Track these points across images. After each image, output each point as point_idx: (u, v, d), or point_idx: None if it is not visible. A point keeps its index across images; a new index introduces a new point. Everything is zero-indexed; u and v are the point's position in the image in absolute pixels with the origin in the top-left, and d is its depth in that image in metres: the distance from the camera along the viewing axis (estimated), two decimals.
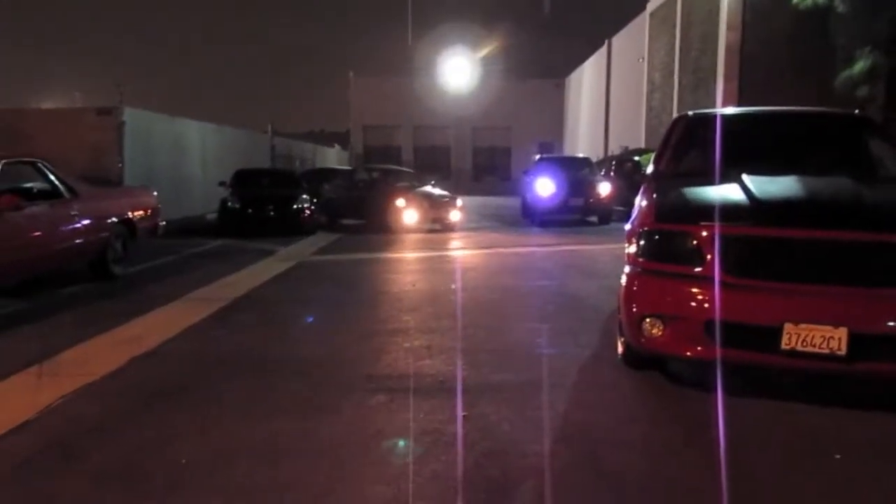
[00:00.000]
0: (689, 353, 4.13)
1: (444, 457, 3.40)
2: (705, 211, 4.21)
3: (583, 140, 37.09)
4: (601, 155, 28.12)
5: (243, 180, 16.06)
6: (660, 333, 4.17)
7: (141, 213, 9.08)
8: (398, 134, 44.04)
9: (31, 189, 7.71)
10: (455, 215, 15.89)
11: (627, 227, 4.74)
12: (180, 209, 17.93)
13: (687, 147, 5.63)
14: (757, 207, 4.12)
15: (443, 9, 41.42)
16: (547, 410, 4.05)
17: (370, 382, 4.55)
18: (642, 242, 4.34)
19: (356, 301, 7.41)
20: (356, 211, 16.59)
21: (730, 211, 4.09)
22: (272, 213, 14.58)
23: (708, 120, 5.76)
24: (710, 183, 4.64)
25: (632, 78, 27.80)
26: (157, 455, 3.43)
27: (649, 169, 5.53)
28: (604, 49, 32.73)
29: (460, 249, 12.15)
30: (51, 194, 7.63)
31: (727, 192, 4.39)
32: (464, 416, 3.94)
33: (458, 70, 41.81)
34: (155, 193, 9.97)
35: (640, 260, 4.34)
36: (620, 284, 4.52)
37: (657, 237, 4.28)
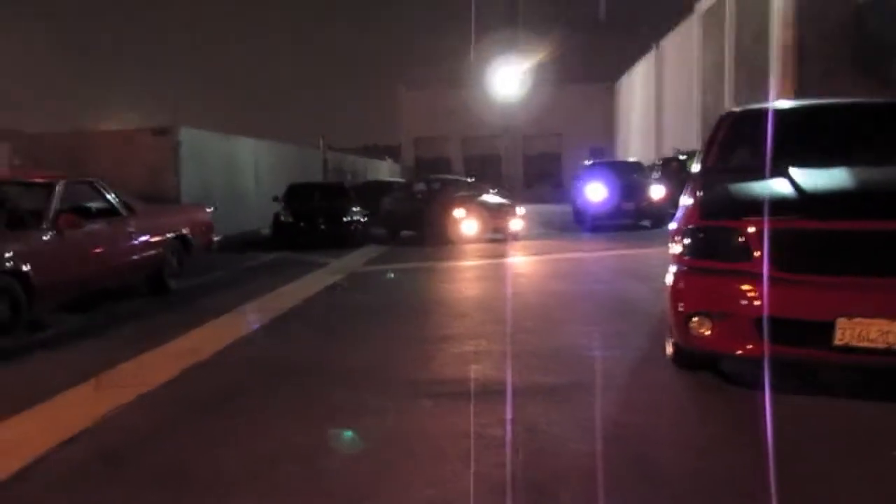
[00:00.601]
0: (738, 351, 4.03)
1: (491, 459, 3.38)
2: (751, 205, 4.11)
3: (634, 144, 36.63)
4: (653, 158, 27.74)
5: (296, 194, 16.34)
6: (708, 332, 4.07)
7: (195, 229, 9.31)
8: (448, 145, 44.30)
9: (89, 208, 7.97)
10: (516, 224, 15.40)
11: (672, 226, 4.66)
12: (236, 224, 18.34)
13: (734, 143, 5.50)
14: (805, 200, 4.00)
15: (491, 17, 41.41)
16: (597, 412, 4.00)
17: (416, 388, 4.56)
18: (688, 240, 4.26)
19: (405, 309, 7.45)
20: (415, 223, 16.05)
21: (777, 204, 3.97)
22: (324, 226, 14.79)
23: (755, 115, 5.62)
24: (758, 178, 4.53)
25: (683, 79, 27.36)
26: (207, 460, 3.50)
27: (695, 167, 5.43)
28: (654, 51, 32.32)
29: (511, 256, 12.09)
30: (108, 212, 7.89)
31: (774, 186, 4.28)
32: (510, 419, 3.91)
33: (507, 78, 41.77)
34: (209, 210, 10.21)
35: (686, 258, 4.26)
36: (667, 284, 4.44)
37: (702, 234, 4.19)
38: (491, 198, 16.44)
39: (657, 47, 31.70)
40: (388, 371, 5.00)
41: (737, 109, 5.85)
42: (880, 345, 3.63)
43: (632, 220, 17.24)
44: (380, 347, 5.74)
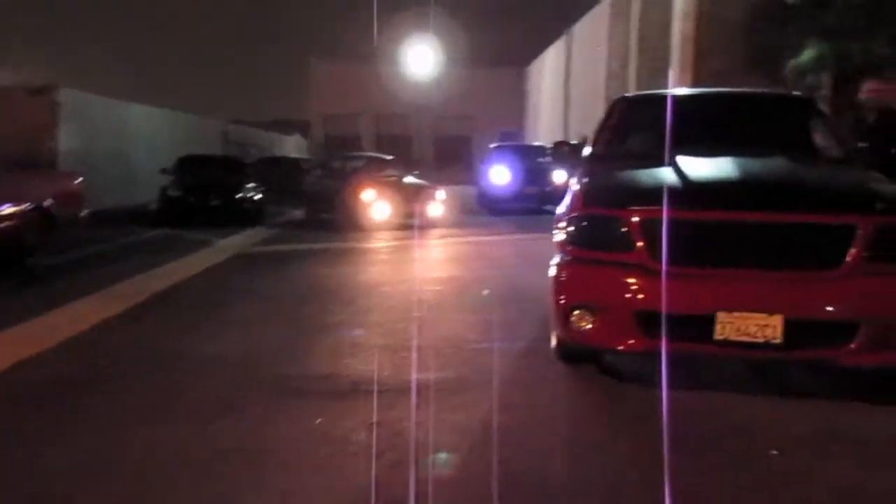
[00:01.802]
0: (620, 346, 3.86)
1: (347, 469, 3.06)
2: (636, 194, 3.94)
3: (544, 129, 36.95)
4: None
5: (186, 167, 15.44)
6: (589, 325, 3.87)
7: (60, 199, 8.55)
8: (359, 122, 43.55)
9: None
10: (435, 208, 13.92)
11: (559, 211, 4.44)
12: (124, 196, 17.30)
13: (625, 130, 5.35)
14: (688, 190, 3.86)
15: None
16: (467, 413, 3.73)
17: (284, 384, 4.18)
18: (571, 229, 4.04)
19: (286, 295, 7.01)
20: (330, 205, 14.50)
21: (660, 194, 3.79)
22: (215, 203, 14.04)
23: (647, 102, 5.50)
24: (645, 166, 4.36)
25: (591, 66, 27.65)
26: (24, 468, 3.03)
27: (585, 153, 5.23)
28: (563, 38, 32.56)
29: (410, 239, 11.77)
30: None
31: (660, 175, 4.11)
32: (373, 423, 3.59)
33: (420, 57, 41.25)
34: (80, 179, 9.42)
35: (569, 248, 4.04)
36: (549, 275, 4.21)
37: (585, 223, 3.98)
38: (409, 179, 15.04)
39: (568, 33, 31.94)
40: (257, 363, 4.60)
41: (629, 95, 5.70)
42: (759, 339, 3.53)
43: (535, 204, 17.22)
44: (253, 336, 5.31)
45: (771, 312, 3.48)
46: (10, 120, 14.61)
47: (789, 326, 3.46)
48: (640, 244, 3.74)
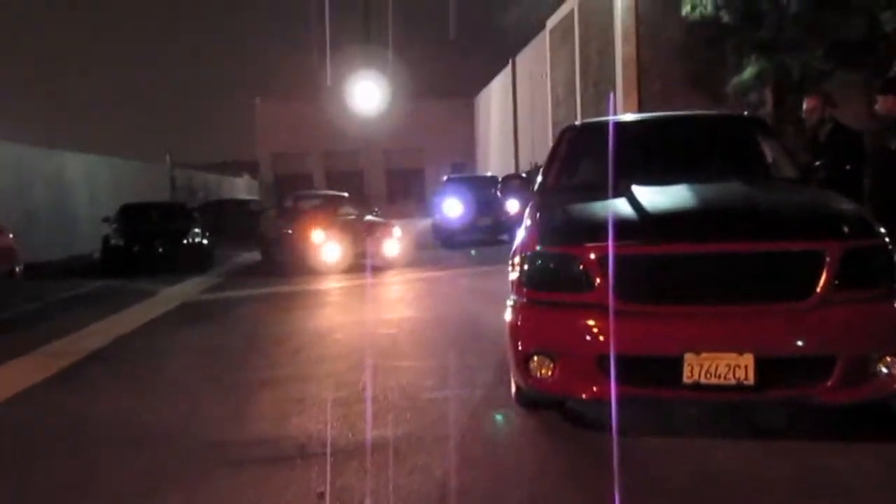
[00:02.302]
0: (583, 395, 3.60)
1: None
2: (591, 229, 3.72)
3: (494, 159, 37.09)
4: (508, 173, 28.01)
5: (129, 215, 14.92)
6: (549, 373, 3.62)
7: None
8: (308, 160, 43.13)
9: None
10: (391, 248, 12.88)
11: (515, 246, 4.20)
12: (64, 248, 16.67)
13: (575, 159, 5.17)
14: (644, 222, 3.66)
15: (348, 31, 40.82)
16: (423, 474, 3.43)
17: (220, 452, 3.83)
18: (525, 268, 3.80)
19: (231, 347, 6.63)
20: (284, 247, 13.58)
21: (616, 228, 3.58)
22: (161, 250, 13.54)
23: (596, 129, 5.34)
24: (598, 197, 4.16)
25: (537, 94, 27.86)
26: None
27: (536, 185, 5.03)
28: (509, 68, 32.84)
29: (362, 278, 11.42)
30: None
31: (614, 207, 3.90)
32: (319, 492, 3.27)
33: (366, 92, 41.22)
34: (11, 234, 8.93)
35: (524, 289, 3.79)
36: (505, 318, 3.96)
37: (540, 262, 3.74)
38: (367, 217, 14.14)
39: (513, 62, 32.22)
40: (192, 430, 4.24)
41: (577, 123, 5.54)
42: (730, 381, 3.30)
43: (489, 234, 17.07)
44: (190, 398, 4.92)
45: (741, 351, 3.26)
46: None
47: (761, 365, 3.25)
48: (598, 282, 3.52)
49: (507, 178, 17.08)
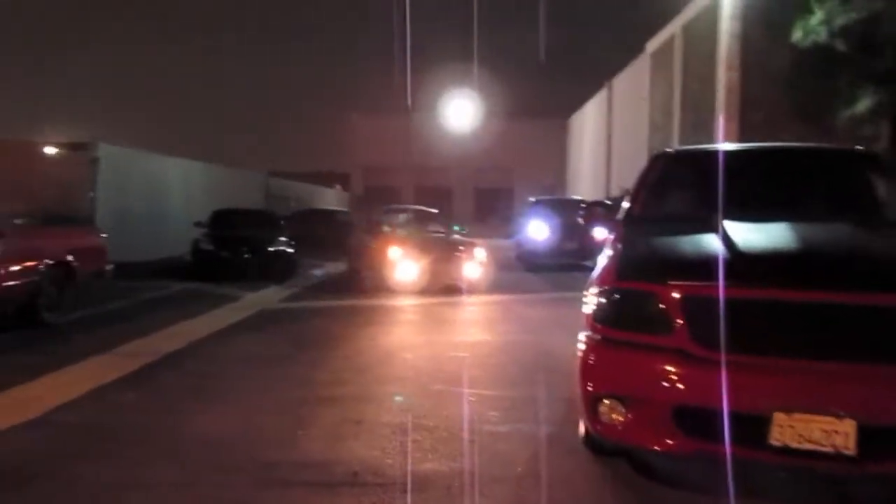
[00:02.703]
0: (656, 447, 3.28)
1: None
2: (677, 266, 3.41)
3: (585, 182, 36.48)
4: (601, 197, 27.42)
5: (220, 221, 15.29)
6: (621, 419, 3.32)
7: (82, 254, 8.31)
8: (399, 174, 43.59)
9: None
10: (473, 270, 12.01)
11: (593, 278, 3.92)
12: (159, 249, 17.22)
13: (665, 189, 4.84)
14: (738, 262, 3.31)
15: (447, 48, 41.21)
16: None
17: (269, 472, 3.70)
18: (602, 303, 3.52)
19: (299, 360, 6.55)
20: (368, 260, 12.91)
21: (705, 267, 3.26)
22: (246, 256, 13.77)
23: (691, 157, 5.00)
24: (689, 231, 3.85)
25: (633, 118, 27.23)
26: None
27: (621, 214, 4.73)
28: (605, 90, 32.28)
29: (441, 297, 11.26)
30: None
31: (705, 243, 3.59)
32: None
33: (460, 110, 41.52)
34: (104, 234, 9.21)
35: (599, 326, 3.51)
36: (577, 354, 3.68)
37: (618, 298, 3.45)
38: (451, 235, 13.69)
39: (609, 86, 31.66)
40: (244, 445, 4.13)
41: (671, 150, 5.20)
42: (826, 448, 2.92)
43: (574, 259, 16.65)
44: (248, 410, 4.85)
45: (841, 416, 2.88)
46: (50, 176, 14.72)
47: (864, 434, 2.85)
48: (680, 325, 3.21)
49: (591, 206, 16.16)
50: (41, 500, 3.32)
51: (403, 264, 11.71)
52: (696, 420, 3.13)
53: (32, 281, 7.45)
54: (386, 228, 14.10)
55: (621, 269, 3.56)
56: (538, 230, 16.74)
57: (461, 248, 12.56)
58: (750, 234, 3.67)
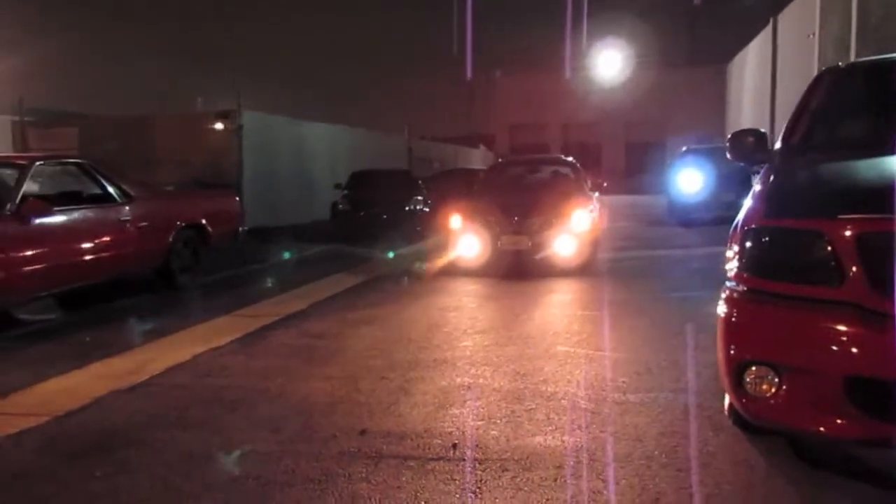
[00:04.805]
0: (821, 429, 2.57)
1: None
2: (848, 197, 2.64)
3: None
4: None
5: (358, 182, 15.31)
6: (772, 393, 2.63)
7: (216, 217, 8.38)
8: (545, 132, 42.60)
9: (80, 193, 7.15)
10: (581, 222, 8.65)
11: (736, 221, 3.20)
12: (304, 213, 17.61)
13: (833, 110, 3.93)
14: None
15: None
16: None
17: (360, 442, 3.33)
18: (748, 247, 2.81)
19: (419, 320, 6.18)
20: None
21: (888, 196, 2.47)
22: (383, 216, 13.67)
23: (867, 71, 4.04)
24: (862, 157, 3.02)
25: (800, 58, 24.63)
26: None
27: (777, 145, 3.90)
28: (768, 28, 29.49)
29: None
30: (102, 199, 7.03)
31: (886, 169, 2.77)
32: None
33: (609, 63, 39.78)
34: (237, 198, 9.28)
35: (744, 275, 2.81)
36: (717, 312, 2.99)
37: (767, 240, 2.74)
38: (574, 188, 10.01)
39: (773, 23, 28.89)
40: (343, 412, 3.79)
41: (839, 65, 4.23)
42: None
43: (732, 212, 15.23)
44: (356, 373, 4.51)
45: None
46: (199, 143, 15.38)
47: None
48: (855, 272, 2.46)
49: (738, 135, 12.37)
50: (125, 468, 3.12)
51: (464, 235, 8.95)
52: (876, 396, 2.39)
53: (166, 243, 7.56)
54: (495, 180, 11.22)
55: (773, 204, 2.83)
56: (690, 181, 15.48)
57: (561, 213, 8.73)
58: None
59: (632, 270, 9.05)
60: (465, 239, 8.89)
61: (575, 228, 8.59)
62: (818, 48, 22.95)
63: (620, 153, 42.27)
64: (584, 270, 8.58)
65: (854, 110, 3.92)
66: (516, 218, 8.69)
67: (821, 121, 3.86)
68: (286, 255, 11.18)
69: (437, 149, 32.84)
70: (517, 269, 8.62)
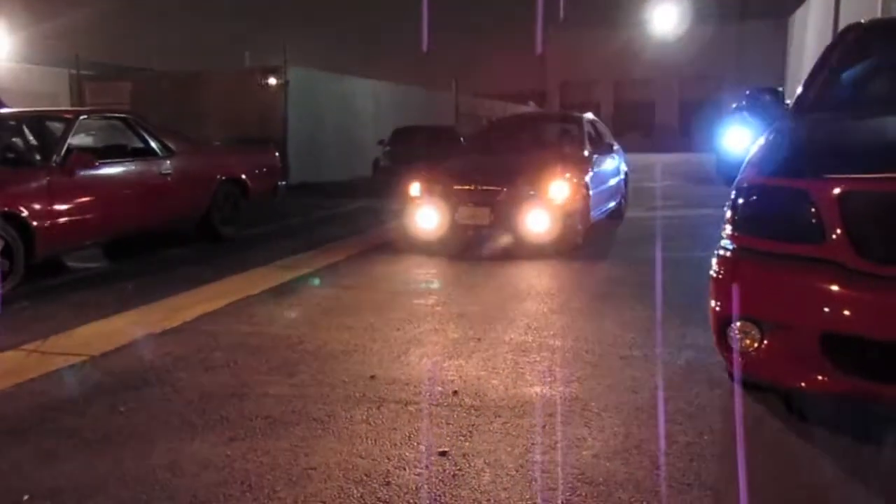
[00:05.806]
0: (801, 383, 2.64)
1: None
2: (837, 156, 2.65)
3: None
4: None
5: (399, 138, 15.42)
6: (755, 348, 2.70)
7: (254, 172, 8.62)
8: (597, 89, 41.88)
9: (124, 147, 7.43)
10: (536, 221, 7.00)
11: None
12: (349, 169, 17.82)
13: (853, 68, 3.87)
14: None
15: None
16: (563, 453, 2.77)
17: (365, 388, 3.51)
18: (739, 204, 2.85)
19: (443, 274, 6.33)
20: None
21: (876, 156, 2.49)
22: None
23: (888, 30, 3.95)
24: (868, 117, 3.01)
25: (865, 8, 23.60)
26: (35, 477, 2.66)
27: (792, 101, 3.86)
28: None
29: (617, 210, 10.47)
30: (145, 152, 7.30)
31: (885, 129, 2.76)
32: (442, 452, 2.78)
33: (663, 17, 38.65)
34: (276, 153, 9.49)
35: (735, 233, 2.86)
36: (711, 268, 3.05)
37: (757, 198, 2.77)
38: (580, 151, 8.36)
39: None
40: (356, 359, 3.97)
41: (864, 21, 4.13)
42: None
43: None
44: (375, 323, 4.68)
45: None
46: (249, 100, 15.65)
47: None
48: (837, 232, 2.49)
49: (754, 93, 10.56)
50: (147, 404, 3.36)
51: (420, 205, 7.56)
52: (852, 352, 2.45)
53: (207, 197, 7.82)
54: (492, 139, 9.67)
55: (765, 162, 2.86)
56: (739, 139, 15.14)
57: (535, 181, 7.14)
58: None
59: (661, 230, 8.99)
60: (422, 210, 7.49)
61: (554, 200, 6.99)
62: (881, 1, 21.93)
63: (674, 111, 41.38)
64: (630, 228, 8.57)
65: (873, 69, 3.85)
66: (475, 186, 7.25)
67: (837, 79, 3.81)
68: (326, 211, 11.41)
69: (485, 105, 32.61)
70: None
